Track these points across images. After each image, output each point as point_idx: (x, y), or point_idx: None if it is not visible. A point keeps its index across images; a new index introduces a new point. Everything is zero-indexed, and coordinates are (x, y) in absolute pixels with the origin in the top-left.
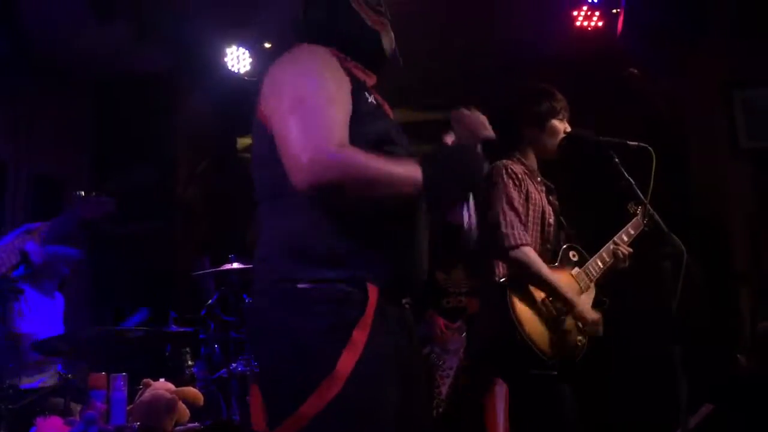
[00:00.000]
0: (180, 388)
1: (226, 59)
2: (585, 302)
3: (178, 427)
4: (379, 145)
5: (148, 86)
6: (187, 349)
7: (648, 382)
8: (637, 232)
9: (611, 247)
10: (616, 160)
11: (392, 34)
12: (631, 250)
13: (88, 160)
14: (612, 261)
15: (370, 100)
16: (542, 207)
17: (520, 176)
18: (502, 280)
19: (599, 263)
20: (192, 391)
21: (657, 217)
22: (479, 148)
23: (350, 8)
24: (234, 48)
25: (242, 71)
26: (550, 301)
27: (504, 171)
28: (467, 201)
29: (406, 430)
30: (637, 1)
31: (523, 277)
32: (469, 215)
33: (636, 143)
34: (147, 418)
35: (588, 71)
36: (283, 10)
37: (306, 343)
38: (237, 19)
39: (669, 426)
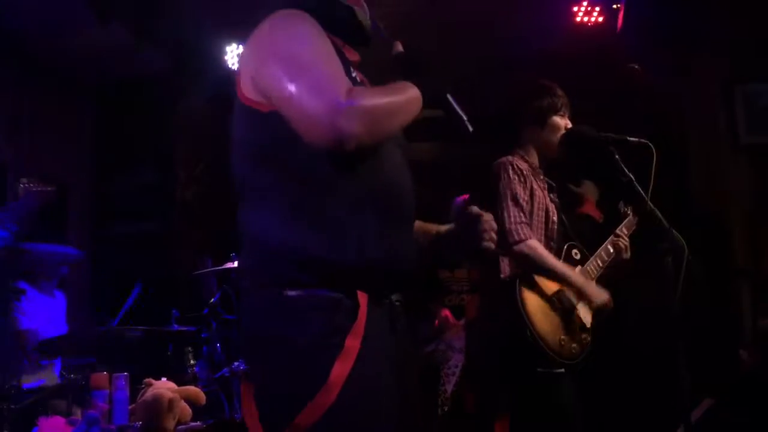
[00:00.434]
0: (182, 388)
1: (226, 57)
2: (595, 288)
3: (180, 427)
4: None
5: (148, 87)
6: (189, 349)
7: (650, 378)
8: (630, 231)
9: (612, 239)
10: (617, 156)
11: (366, 8)
12: (627, 242)
13: (89, 162)
14: (613, 255)
15: (354, 75)
16: (546, 205)
17: (525, 173)
18: (509, 278)
19: (599, 262)
20: (194, 390)
21: (658, 213)
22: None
23: None
24: (234, 46)
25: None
26: (558, 300)
27: (510, 167)
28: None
29: (400, 429)
30: None
31: (531, 271)
32: (459, 106)
33: (636, 139)
34: (149, 417)
35: (588, 67)
36: (282, 7)
37: (297, 352)
38: (236, 17)
39: (671, 421)
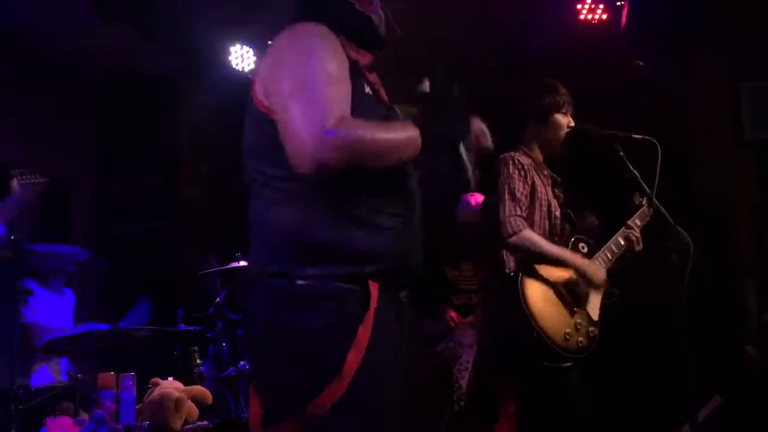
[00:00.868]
0: (188, 387)
1: (230, 58)
2: (593, 265)
3: (187, 426)
4: None
5: (152, 86)
6: (196, 348)
7: (657, 374)
8: (644, 222)
9: (624, 231)
10: (621, 153)
11: (382, 13)
12: (639, 234)
13: (95, 161)
14: (625, 247)
15: (366, 90)
16: (548, 200)
17: (526, 167)
18: (513, 273)
19: (608, 254)
20: (200, 389)
21: (663, 210)
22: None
23: None
24: (238, 46)
25: (247, 69)
26: (562, 294)
27: (511, 162)
28: (464, 150)
29: (410, 425)
30: None
31: (530, 260)
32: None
33: (641, 136)
34: (156, 417)
35: (592, 64)
36: (287, 7)
37: (309, 342)
38: (241, 17)
39: (678, 418)
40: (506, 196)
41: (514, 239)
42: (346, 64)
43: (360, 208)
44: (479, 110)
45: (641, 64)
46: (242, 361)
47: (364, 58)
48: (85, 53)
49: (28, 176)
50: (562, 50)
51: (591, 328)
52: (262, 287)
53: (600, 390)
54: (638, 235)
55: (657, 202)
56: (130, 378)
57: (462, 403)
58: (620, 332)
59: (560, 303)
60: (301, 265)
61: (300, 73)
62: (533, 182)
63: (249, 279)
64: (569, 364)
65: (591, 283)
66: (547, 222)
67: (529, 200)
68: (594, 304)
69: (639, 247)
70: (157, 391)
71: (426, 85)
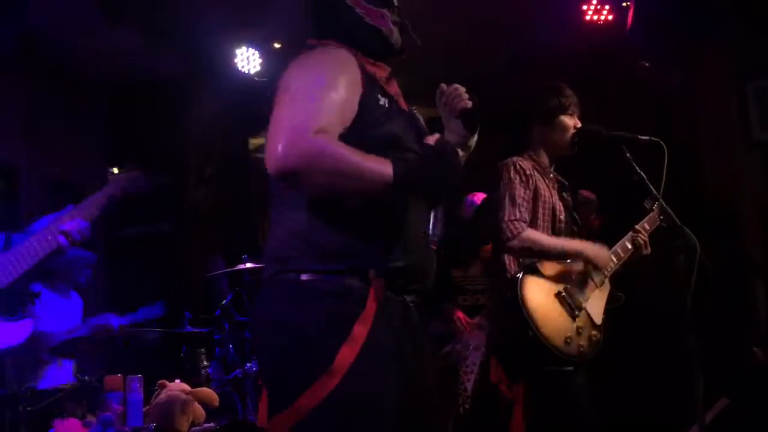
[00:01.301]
0: (195, 389)
1: (236, 60)
2: (595, 249)
3: (193, 428)
4: (386, 150)
5: (158, 89)
6: (202, 350)
7: (664, 376)
8: (653, 227)
9: (631, 235)
10: (628, 154)
11: (397, 20)
12: (647, 238)
13: (101, 164)
14: (631, 251)
15: (381, 102)
16: (552, 203)
17: (528, 172)
18: (513, 276)
19: (614, 258)
20: (207, 391)
21: (670, 211)
22: (459, 154)
23: (346, 6)
24: (244, 49)
25: (252, 72)
26: (563, 298)
27: (512, 167)
28: (437, 204)
29: (409, 427)
30: None
31: (534, 259)
32: (435, 218)
33: (647, 137)
34: (163, 419)
35: (599, 65)
36: (292, 9)
37: (305, 335)
38: (246, 20)
39: (685, 420)
40: (506, 202)
41: (514, 243)
42: (355, 85)
43: (365, 211)
44: (486, 111)
45: (647, 64)
46: (249, 363)
47: (381, 71)
48: (92, 56)
49: (128, 171)
50: (568, 51)
51: (593, 332)
52: (268, 284)
53: (607, 392)
54: (646, 239)
55: (664, 203)
56: (137, 380)
57: (467, 406)
58: (627, 334)
59: (561, 307)
60: (306, 261)
61: (299, 86)
62: (536, 186)
63: (263, 277)
64: (571, 368)
65: (595, 266)
66: (551, 226)
67: (531, 204)
68: (597, 308)
69: (647, 251)
70: (164, 393)
71: (431, 140)
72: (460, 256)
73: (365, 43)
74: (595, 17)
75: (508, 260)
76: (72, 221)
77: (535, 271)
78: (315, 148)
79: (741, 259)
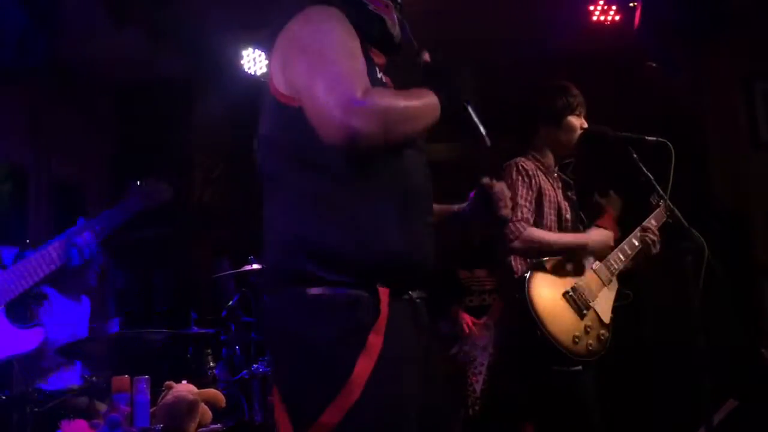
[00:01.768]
0: (202, 390)
1: (242, 61)
2: (597, 236)
3: (200, 429)
4: None
5: (165, 90)
6: (209, 351)
7: (672, 377)
8: (660, 223)
9: (639, 233)
10: (635, 155)
11: (398, 16)
12: (656, 236)
13: (108, 165)
14: (639, 249)
15: (379, 76)
16: (558, 202)
17: (530, 172)
18: (520, 277)
19: (621, 256)
20: (214, 392)
21: (677, 212)
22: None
23: None
24: (250, 50)
25: (259, 73)
26: (571, 297)
27: (515, 168)
28: (471, 106)
29: (428, 429)
30: None
31: (539, 258)
32: (479, 119)
33: (654, 138)
34: (170, 420)
35: (605, 66)
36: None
37: (321, 350)
38: (253, 21)
39: (693, 422)
40: None
41: (517, 243)
42: (359, 44)
43: (372, 214)
44: (491, 112)
45: (654, 65)
46: (256, 364)
47: (378, 58)
48: (98, 57)
49: (150, 183)
50: (574, 52)
51: (602, 331)
52: (276, 296)
53: (615, 392)
54: (655, 237)
55: (671, 203)
56: (144, 381)
57: (476, 408)
58: (635, 335)
59: (569, 306)
60: (313, 272)
61: (318, 49)
62: (540, 186)
63: (264, 284)
64: (579, 367)
65: (601, 251)
66: (557, 224)
67: (535, 205)
68: (606, 306)
69: (656, 250)
70: (170, 394)
71: (426, 56)
72: (468, 258)
73: (366, 30)
74: (602, 18)
75: (515, 261)
76: (80, 238)
77: (542, 271)
78: (375, 106)
79: (749, 260)
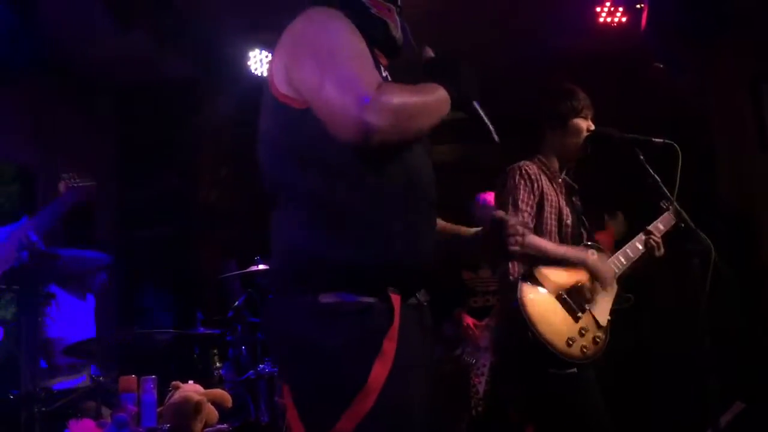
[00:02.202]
0: (208, 390)
1: (249, 62)
2: (597, 262)
3: (207, 429)
4: None
5: (171, 92)
6: (215, 351)
7: (679, 380)
8: (668, 227)
9: (643, 237)
10: (642, 157)
11: (399, 20)
12: (660, 239)
13: (114, 167)
14: (643, 252)
15: (384, 75)
16: (559, 207)
17: (533, 176)
18: (515, 279)
19: (622, 260)
20: (220, 392)
21: (684, 214)
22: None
23: None
24: (257, 51)
25: (265, 74)
26: (565, 299)
27: (517, 172)
28: (477, 102)
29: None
30: None
31: (537, 264)
32: (486, 114)
33: (661, 140)
34: (177, 420)
35: (612, 67)
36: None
37: (335, 358)
38: (259, 22)
39: (700, 424)
40: (509, 207)
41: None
42: (365, 44)
43: (379, 218)
44: (496, 113)
45: (661, 66)
46: (262, 364)
47: (381, 60)
48: (104, 59)
49: (77, 179)
50: (581, 53)
51: (598, 334)
52: (284, 302)
53: (621, 395)
54: (659, 240)
55: (678, 206)
56: (151, 381)
57: (479, 409)
58: (643, 337)
59: (563, 308)
60: (322, 281)
61: (328, 49)
62: (542, 191)
63: (271, 290)
64: (573, 370)
65: (598, 280)
66: (557, 230)
67: (536, 210)
68: (603, 309)
69: (660, 253)
70: (177, 395)
71: (429, 52)
72: (473, 259)
73: (369, 33)
74: (609, 19)
75: (512, 264)
76: (25, 239)
77: (538, 274)
78: (392, 101)
79: (755, 261)
